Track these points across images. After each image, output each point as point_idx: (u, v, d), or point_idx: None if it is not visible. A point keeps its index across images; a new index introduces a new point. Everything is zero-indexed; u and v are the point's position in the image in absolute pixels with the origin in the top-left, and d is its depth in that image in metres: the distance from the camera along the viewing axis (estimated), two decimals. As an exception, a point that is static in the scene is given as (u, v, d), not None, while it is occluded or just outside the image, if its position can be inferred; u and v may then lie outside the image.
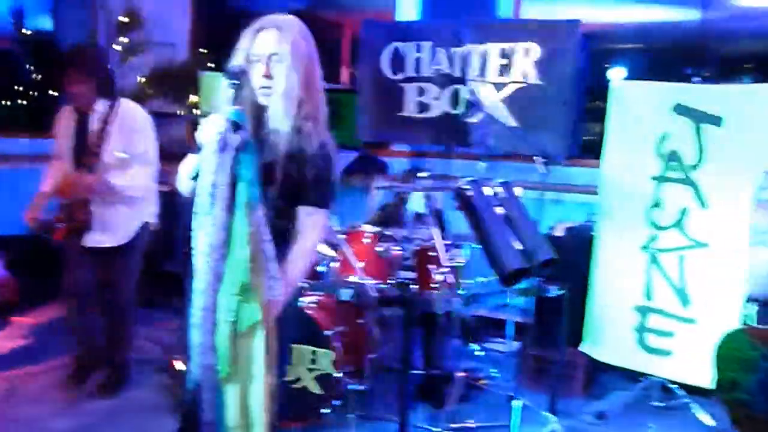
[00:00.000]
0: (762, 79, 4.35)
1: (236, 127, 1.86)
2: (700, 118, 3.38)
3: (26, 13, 5.63)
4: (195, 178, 1.91)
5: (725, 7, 5.52)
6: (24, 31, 5.58)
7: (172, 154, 2.86)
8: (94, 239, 3.40)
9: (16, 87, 5.53)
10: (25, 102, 5.67)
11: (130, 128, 3.34)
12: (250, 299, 1.91)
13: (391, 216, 4.04)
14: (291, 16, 2.09)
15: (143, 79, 5.48)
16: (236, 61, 2.03)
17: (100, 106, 3.33)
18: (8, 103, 5.73)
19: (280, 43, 1.99)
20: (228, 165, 1.87)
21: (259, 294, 1.92)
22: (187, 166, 2.03)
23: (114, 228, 3.41)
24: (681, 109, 3.42)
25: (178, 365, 3.22)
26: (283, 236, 2.05)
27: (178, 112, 5.54)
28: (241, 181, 1.90)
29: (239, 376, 1.96)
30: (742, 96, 3.36)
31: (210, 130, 1.85)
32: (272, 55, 1.99)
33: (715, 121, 3.34)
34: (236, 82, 1.88)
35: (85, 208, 3.35)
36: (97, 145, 3.31)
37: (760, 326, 1.65)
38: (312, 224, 2.09)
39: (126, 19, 5.37)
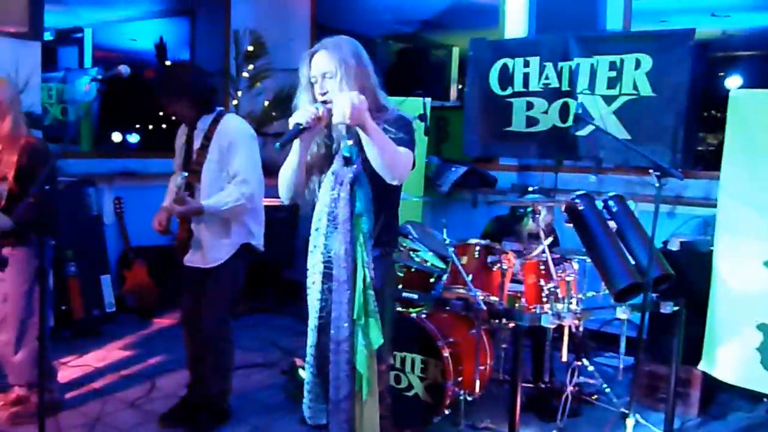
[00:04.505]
0: None
1: (347, 162, 1.89)
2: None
3: (168, 46, 5.97)
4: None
5: None
6: (166, 62, 5.91)
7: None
8: (189, 259, 3.11)
9: (159, 113, 5.85)
10: (165, 125, 5.98)
11: (225, 144, 2.98)
12: (374, 323, 1.98)
13: (504, 229, 3.91)
14: (341, 36, 2.16)
15: (268, 103, 5.65)
16: (301, 85, 2.15)
17: (204, 122, 3.05)
18: (152, 126, 6.10)
19: (329, 61, 2.07)
20: (347, 200, 1.94)
21: (377, 317, 1.98)
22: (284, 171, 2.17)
23: (204, 249, 3.05)
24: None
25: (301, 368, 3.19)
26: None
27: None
28: (357, 214, 1.92)
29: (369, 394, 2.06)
30: None
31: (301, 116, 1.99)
32: (324, 74, 2.09)
33: None
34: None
35: (185, 225, 3.07)
36: (197, 162, 3.02)
37: None
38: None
39: (252, 48, 5.55)
